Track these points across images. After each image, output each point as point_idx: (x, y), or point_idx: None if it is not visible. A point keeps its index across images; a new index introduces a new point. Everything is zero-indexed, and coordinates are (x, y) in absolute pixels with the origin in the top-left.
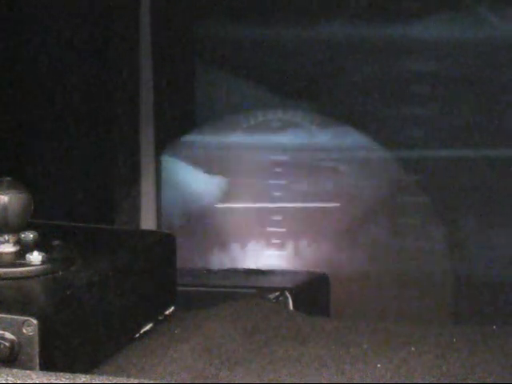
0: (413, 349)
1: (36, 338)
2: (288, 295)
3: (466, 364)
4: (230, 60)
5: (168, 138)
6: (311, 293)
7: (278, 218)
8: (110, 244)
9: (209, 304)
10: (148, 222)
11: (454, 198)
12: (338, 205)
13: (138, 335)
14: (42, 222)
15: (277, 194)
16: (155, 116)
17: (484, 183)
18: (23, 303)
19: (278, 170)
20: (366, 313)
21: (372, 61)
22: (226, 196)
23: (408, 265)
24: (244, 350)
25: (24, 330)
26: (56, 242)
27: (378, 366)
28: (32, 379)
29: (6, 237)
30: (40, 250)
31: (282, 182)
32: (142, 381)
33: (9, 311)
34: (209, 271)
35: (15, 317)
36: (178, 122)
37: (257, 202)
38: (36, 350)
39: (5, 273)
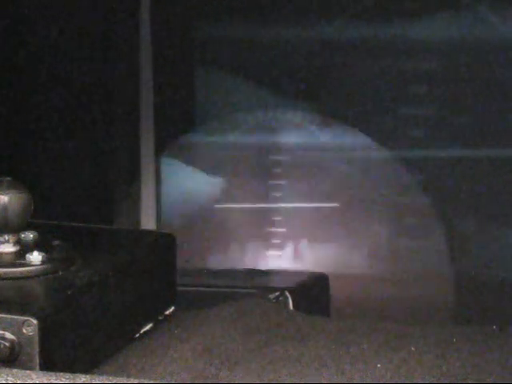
0: (413, 349)
1: (36, 338)
2: (288, 295)
3: (466, 364)
4: (229, 60)
5: (168, 138)
6: (311, 293)
7: (277, 218)
8: (110, 244)
9: (209, 304)
10: (148, 222)
11: (454, 198)
12: (337, 205)
13: (138, 335)
14: (42, 222)
15: (277, 194)
16: (155, 116)
17: (484, 183)
18: (23, 303)
19: (278, 170)
20: (366, 313)
21: (372, 61)
22: (226, 196)
23: (408, 265)
24: (244, 349)
25: (24, 330)
26: (56, 242)
27: (378, 366)
28: (32, 379)
29: (6, 237)
30: (40, 249)
31: (282, 182)
32: (142, 381)
33: (9, 311)
34: (209, 271)
35: (15, 317)
36: (178, 122)
37: (257, 202)
38: (36, 349)
39: (5, 273)
